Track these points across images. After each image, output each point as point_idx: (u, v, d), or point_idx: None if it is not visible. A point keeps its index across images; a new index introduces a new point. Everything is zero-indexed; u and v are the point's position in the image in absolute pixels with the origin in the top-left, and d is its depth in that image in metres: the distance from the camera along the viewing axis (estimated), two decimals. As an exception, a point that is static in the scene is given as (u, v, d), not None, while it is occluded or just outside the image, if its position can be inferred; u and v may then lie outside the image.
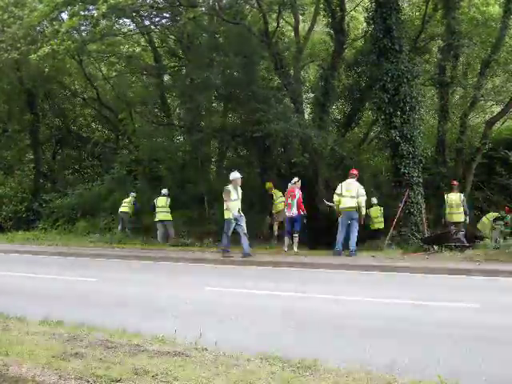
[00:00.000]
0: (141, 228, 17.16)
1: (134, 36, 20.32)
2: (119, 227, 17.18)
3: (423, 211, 13.00)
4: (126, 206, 16.99)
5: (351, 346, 4.82)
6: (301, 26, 18.72)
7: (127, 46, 21.09)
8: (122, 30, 19.09)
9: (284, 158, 16.88)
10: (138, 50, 21.56)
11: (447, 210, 13.72)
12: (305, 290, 7.66)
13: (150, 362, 3.89)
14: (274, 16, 17.00)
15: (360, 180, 12.41)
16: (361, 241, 12.54)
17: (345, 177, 12.66)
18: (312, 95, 18.75)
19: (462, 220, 13.61)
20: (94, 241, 16.21)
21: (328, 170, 16.65)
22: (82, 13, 12.18)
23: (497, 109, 19.17)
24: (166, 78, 21.26)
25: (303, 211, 12.51)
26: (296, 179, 12.78)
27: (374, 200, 15.79)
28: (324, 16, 17.10)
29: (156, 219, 15.48)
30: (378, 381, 3.62)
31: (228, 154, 22.98)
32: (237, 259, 11.35)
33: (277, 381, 3.57)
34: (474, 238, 13.18)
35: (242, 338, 5.06)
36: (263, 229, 15.79)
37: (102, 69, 22.53)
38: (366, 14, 16.55)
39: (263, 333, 5.34)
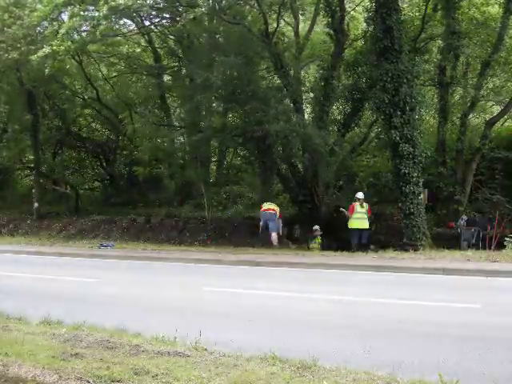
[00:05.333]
0: None
1: (134, 36, 20.30)
2: None
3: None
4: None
5: (345, 346, 4.82)
6: (301, 26, 18.69)
7: (127, 47, 21.07)
8: (122, 30, 19.08)
9: (284, 157, 16.82)
10: (138, 50, 21.54)
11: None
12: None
13: (150, 362, 3.89)
14: (274, 16, 16.96)
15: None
16: None
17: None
18: (312, 95, 18.70)
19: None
20: None
21: (328, 170, 16.59)
22: (82, 13, 12.17)
23: (497, 109, 19.13)
24: (166, 78, 21.23)
25: None
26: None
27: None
28: (324, 16, 17.03)
29: None
30: (377, 381, 3.62)
31: (228, 154, 22.99)
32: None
33: (277, 381, 3.56)
34: None
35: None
36: None
37: (102, 69, 22.48)
38: (366, 14, 16.49)
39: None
